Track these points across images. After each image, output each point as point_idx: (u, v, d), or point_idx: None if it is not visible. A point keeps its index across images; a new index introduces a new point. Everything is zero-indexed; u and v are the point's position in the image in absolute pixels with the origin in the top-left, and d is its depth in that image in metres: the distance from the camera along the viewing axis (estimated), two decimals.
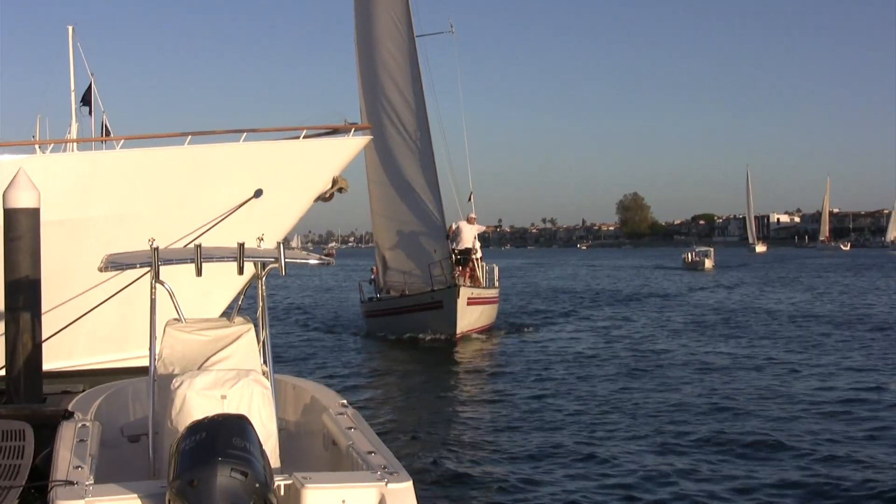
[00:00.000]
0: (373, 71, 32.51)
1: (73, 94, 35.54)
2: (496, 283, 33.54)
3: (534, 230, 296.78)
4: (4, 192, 11.38)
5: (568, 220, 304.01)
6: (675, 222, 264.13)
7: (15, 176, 11.45)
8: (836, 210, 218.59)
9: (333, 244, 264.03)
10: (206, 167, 15.64)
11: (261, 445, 5.45)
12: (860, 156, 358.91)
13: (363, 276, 39.55)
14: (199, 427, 5.38)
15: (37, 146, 17.10)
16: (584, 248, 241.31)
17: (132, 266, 7.59)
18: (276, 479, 5.63)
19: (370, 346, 28.84)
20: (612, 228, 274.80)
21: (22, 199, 11.24)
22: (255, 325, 7.93)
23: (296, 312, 41.87)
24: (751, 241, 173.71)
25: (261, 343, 7.87)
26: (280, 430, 7.29)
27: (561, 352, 25.49)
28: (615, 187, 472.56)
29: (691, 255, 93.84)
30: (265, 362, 7.79)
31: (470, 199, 34.14)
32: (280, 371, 8.95)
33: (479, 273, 32.11)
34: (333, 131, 16.78)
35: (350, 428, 7.10)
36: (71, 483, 5.73)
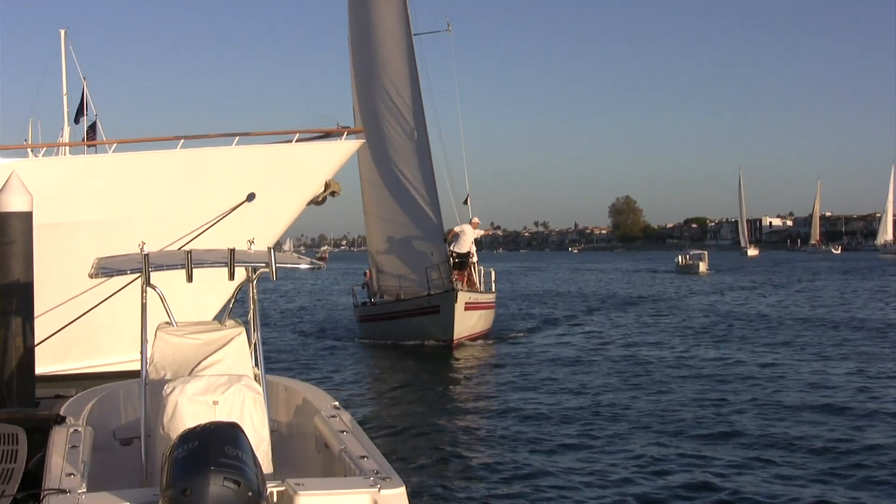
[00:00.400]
0: (368, 69, 31.54)
1: (65, 97, 35.52)
2: (493, 288, 32.72)
3: (526, 233, 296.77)
4: None
5: (560, 223, 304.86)
6: (668, 226, 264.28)
7: (7, 179, 11.46)
8: (828, 213, 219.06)
9: (326, 247, 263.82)
10: (198, 171, 15.64)
11: (253, 453, 5.46)
12: (853, 159, 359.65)
13: (356, 280, 39.18)
14: (191, 435, 5.38)
15: (29, 150, 17.11)
16: (576, 251, 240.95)
17: (123, 272, 7.59)
18: (268, 485, 5.63)
19: (364, 352, 28.18)
20: (604, 232, 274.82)
21: (14, 203, 11.24)
22: (247, 328, 7.93)
23: (287, 317, 41.25)
24: (743, 244, 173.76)
25: (252, 346, 7.88)
26: (272, 431, 7.30)
27: (558, 358, 24.96)
28: (607, 190, 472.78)
29: (684, 259, 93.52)
30: (257, 365, 7.80)
31: (466, 202, 33.37)
32: (271, 374, 8.95)
33: (475, 277, 31.34)
34: (326, 135, 16.80)
35: (342, 431, 7.10)
36: (63, 491, 5.73)
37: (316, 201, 16.83)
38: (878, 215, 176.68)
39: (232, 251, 7.39)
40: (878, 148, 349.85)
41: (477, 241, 32.24)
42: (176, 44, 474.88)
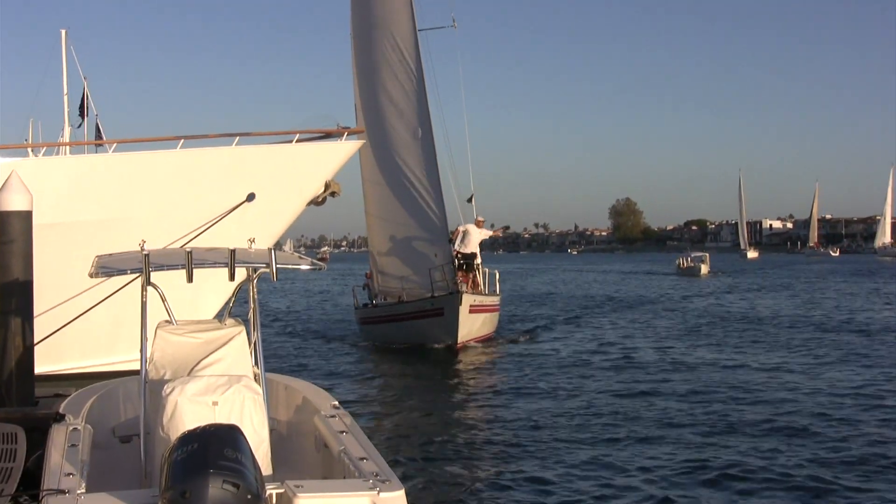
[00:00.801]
0: (371, 65, 30.58)
1: (65, 97, 35.56)
2: (497, 290, 32.04)
3: (526, 235, 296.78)
4: None
5: (560, 225, 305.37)
6: (668, 228, 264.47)
7: (7, 179, 11.45)
8: (828, 216, 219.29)
9: (326, 248, 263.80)
10: (198, 171, 15.64)
11: (252, 455, 5.46)
12: (854, 162, 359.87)
13: (357, 281, 38.77)
14: (190, 438, 5.38)
15: (29, 149, 17.10)
16: (575, 252, 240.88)
17: (123, 272, 7.58)
18: (267, 487, 5.63)
19: (364, 355, 27.60)
20: (604, 234, 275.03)
21: (14, 202, 11.24)
22: (247, 328, 7.92)
23: (286, 318, 40.87)
24: (742, 246, 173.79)
25: (252, 345, 7.87)
26: (271, 430, 7.29)
27: (563, 362, 24.44)
28: (608, 192, 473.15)
29: (685, 261, 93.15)
30: (256, 364, 7.80)
31: (471, 201, 32.39)
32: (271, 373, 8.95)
33: (480, 279, 30.54)
34: (326, 135, 16.79)
35: (342, 432, 7.09)
36: (63, 492, 5.72)
37: (316, 202, 16.82)
38: (878, 218, 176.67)
39: (233, 251, 7.39)
40: (878, 150, 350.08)
41: (483, 243, 31.65)
42: (176, 44, 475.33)
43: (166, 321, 7.85)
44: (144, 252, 7.32)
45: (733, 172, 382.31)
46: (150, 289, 7.48)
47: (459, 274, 28.68)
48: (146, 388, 7.36)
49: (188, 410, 6.62)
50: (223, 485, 5.04)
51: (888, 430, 15.22)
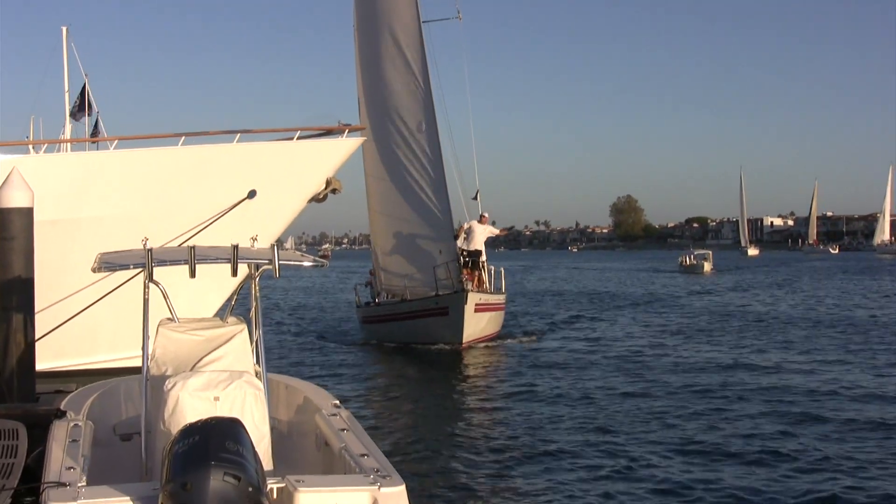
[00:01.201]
0: (374, 57, 29.95)
1: (66, 94, 35.63)
2: (503, 288, 31.36)
3: (527, 232, 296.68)
4: None
5: (561, 222, 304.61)
6: (669, 225, 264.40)
7: (9, 175, 11.45)
8: (829, 213, 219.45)
9: (327, 245, 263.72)
10: (199, 168, 15.64)
11: (254, 449, 5.46)
12: (855, 159, 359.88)
13: (359, 279, 38.44)
14: (192, 430, 5.38)
15: (30, 146, 17.09)
16: (575, 250, 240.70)
17: (125, 267, 7.59)
18: (268, 482, 5.63)
19: (367, 354, 27.34)
20: (605, 231, 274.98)
21: (16, 199, 11.24)
22: (248, 325, 7.93)
23: (288, 316, 40.64)
24: (743, 244, 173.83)
25: (254, 343, 7.87)
26: (272, 429, 7.30)
27: (569, 362, 24.11)
28: (609, 190, 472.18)
29: (688, 259, 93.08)
30: (258, 362, 7.80)
31: (476, 197, 31.88)
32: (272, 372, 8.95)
33: (485, 277, 29.75)
34: (327, 132, 16.79)
35: (343, 429, 7.09)
36: (63, 485, 5.73)
37: (317, 199, 16.82)
38: (879, 215, 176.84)
39: (235, 247, 7.39)
40: (880, 148, 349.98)
41: (490, 240, 30.98)
42: (177, 41, 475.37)
43: (168, 318, 7.85)
44: (147, 248, 7.32)
45: (734, 170, 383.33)
46: (152, 286, 7.49)
47: (465, 272, 28.01)
48: (147, 385, 7.36)
49: (189, 405, 6.63)
50: (224, 477, 5.04)
51: None
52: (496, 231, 31.54)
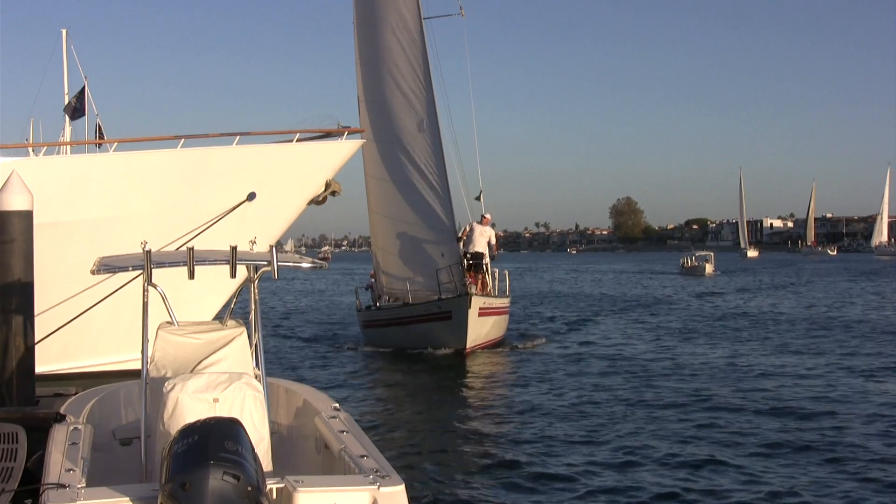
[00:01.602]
0: (374, 56, 28.81)
1: (66, 96, 35.55)
2: (507, 291, 30.06)
3: (527, 234, 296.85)
4: None
5: (561, 224, 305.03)
6: (669, 227, 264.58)
7: (8, 178, 11.47)
8: (829, 215, 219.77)
9: (327, 248, 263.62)
10: (199, 170, 15.67)
11: (253, 449, 5.46)
12: (855, 161, 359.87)
13: (359, 282, 37.71)
14: (191, 430, 5.38)
15: (30, 149, 17.13)
16: (574, 252, 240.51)
17: (124, 269, 7.58)
18: (268, 482, 5.63)
19: (368, 359, 26.40)
20: (605, 233, 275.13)
21: (15, 202, 11.25)
22: (248, 328, 7.92)
23: (286, 321, 39.86)
24: (742, 245, 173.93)
25: (253, 346, 7.87)
26: (272, 433, 7.29)
27: (575, 368, 23.06)
28: (608, 191, 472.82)
29: (690, 260, 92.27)
30: (257, 365, 7.80)
31: (479, 198, 30.40)
32: (272, 376, 8.94)
33: (488, 279, 28.56)
34: (326, 135, 16.82)
35: (342, 431, 7.09)
36: (63, 486, 5.73)
37: (316, 201, 16.84)
38: (878, 217, 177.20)
39: (234, 249, 7.39)
40: (880, 149, 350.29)
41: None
42: (177, 44, 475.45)
43: (167, 322, 7.84)
44: (146, 250, 7.32)
45: (734, 171, 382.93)
46: (151, 289, 7.48)
47: (468, 275, 26.99)
48: (147, 389, 7.36)
49: (189, 407, 6.63)
50: (223, 476, 5.04)
51: None
52: (493, 238, 29.65)
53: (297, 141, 16.35)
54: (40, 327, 11.95)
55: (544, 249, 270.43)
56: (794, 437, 14.70)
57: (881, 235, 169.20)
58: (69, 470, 6.06)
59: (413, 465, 12.96)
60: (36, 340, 11.37)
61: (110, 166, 15.44)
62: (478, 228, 28.67)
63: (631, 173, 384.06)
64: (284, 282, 76.29)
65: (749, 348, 27.14)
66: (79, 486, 5.78)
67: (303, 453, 8.04)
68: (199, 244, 12.32)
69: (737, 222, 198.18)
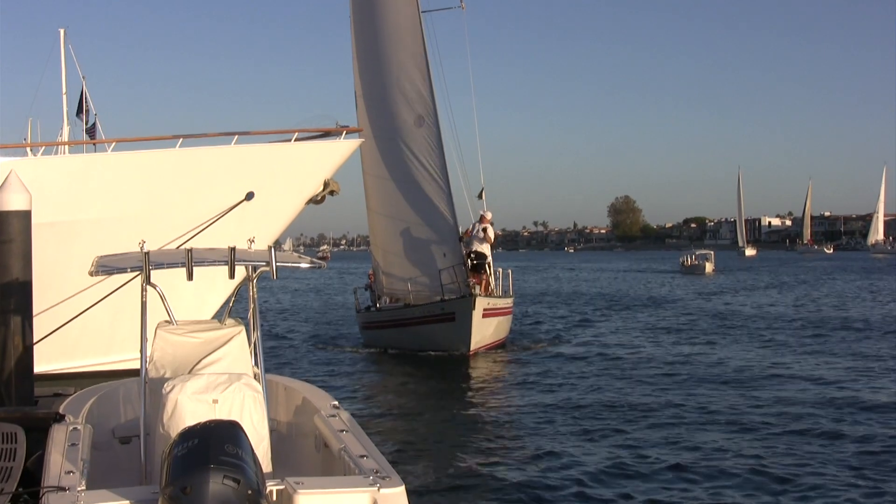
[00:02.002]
0: (372, 50, 27.97)
1: (64, 96, 35.62)
2: (510, 291, 29.66)
3: (525, 233, 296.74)
4: None
5: (559, 223, 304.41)
6: (667, 225, 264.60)
7: (6, 178, 11.45)
8: (827, 213, 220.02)
9: (325, 247, 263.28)
10: (197, 170, 15.65)
11: (253, 451, 5.47)
12: (853, 160, 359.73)
13: (358, 281, 37.27)
14: (191, 434, 5.39)
15: (28, 148, 17.09)
16: (572, 250, 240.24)
17: (123, 270, 7.58)
18: (268, 484, 5.64)
19: (367, 360, 26.22)
20: (603, 231, 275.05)
21: (13, 202, 11.24)
22: (247, 327, 7.92)
23: (285, 320, 39.75)
24: (741, 244, 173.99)
25: (252, 345, 7.87)
26: (271, 431, 7.30)
27: (578, 369, 22.90)
28: (607, 190, 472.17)
29: (689, 259, 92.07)
30: (256, 364, 7.80)
31: (481, 195, 29.79)
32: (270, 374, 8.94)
33: (491, 279, 28.01)
34: (325, 134, 16.80)
35: (342, 430, 7.09)
36: (63, 489, 5.73)
37: (315, 200, 16.83)
38: (874, 215, 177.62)
39: (232, 250, 7.39)
40: (878, 149, 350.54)
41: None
42: (175, 43, 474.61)
43: (166, 321, 7.84)
44: (144, 251, 7.32)
45: (732, 170, 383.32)
46: (149, 289, 7.48)
47: (471, 275, 26.42)
48: (146, 388, 7.36)
49: (188, 408, 6.63)
50: (224, 480, 5.04)
51: None
52: (489, 238, 28.69)
53: (295, 140, 16.33)
54: (39, 327, 11.94)
55: (542, 248, 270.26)
56: (817, 446, 14.37)
57: (877, 234, 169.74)
58: (69, 472, 6.05)
59: (413, 466, 12.95)
60: (35, 340, 11.36)
61: (109, 166, 15.42)
62: (478, 227, 28.14)
63: (629, 172, 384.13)
64: (283, 281, 76.17)
65: (760, 350, 26.82)
66: (79, 488, 5.78)
67: (302, 452, 8.04)
68: (198, 244, 12.34)
69: (735, 221, 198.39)
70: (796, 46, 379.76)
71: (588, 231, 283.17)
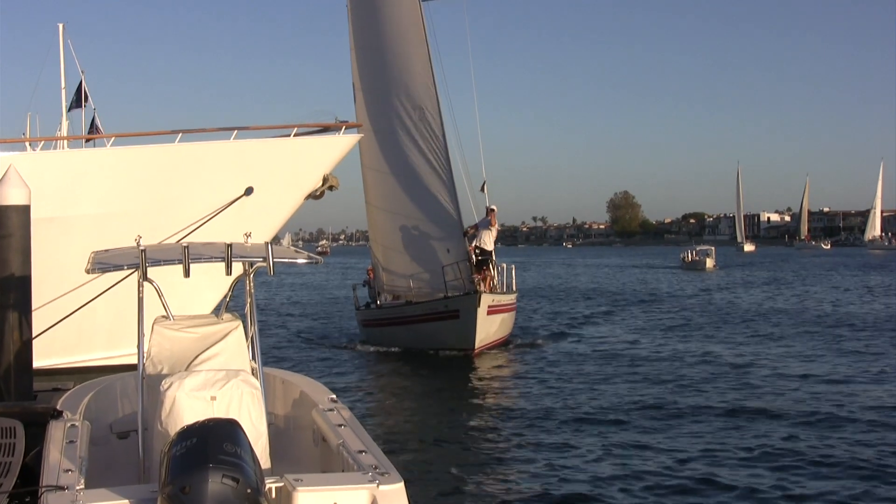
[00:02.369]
0: (370, 40, 27.18)
1: (63, 91, 35.48)
2: (514, 286, 28.91)
3: (524, 228, 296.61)
4: None
5: (558, 218, 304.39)
6: (666, 221, 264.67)
7: (5, 173, 11.44)
8: (826, 209, 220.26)
9: (324, 242, 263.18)
10: (196, 165, 15.65)
11: (252, 450, 5.46)
12: (853, 155, 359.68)
13: (358, 278, 36.71)
14: (189, 432, 5.38)
15: (27, 143, 17.09)
16: (570, 246, 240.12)
17: (119, 268, 7.57)
18: (267, 481, 5.63)
19: (368, 356, 25.78)
20: (602, 227, 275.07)
21: (12, 196, 11.22)
22: (244, 322, 7.91)
23: (284, 315, 39.53)
24: (739, 240, 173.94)
25: (249, 339, 7.87)
26: (269, 425, 7.29)
27: (584, 368, 22.49)
28: (605, 186, 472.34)
29: (690, 255, 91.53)
30: (254, 358, 7.80)
31: (483, 189, 28.89)
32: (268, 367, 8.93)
33: (494, 275, 27.29)
34: (324, 129, 16.81)
35: (340, 425, 7.09)
36: (61, 488, 5.72)
37: (314, 196, 16.84)
38: (872, 211, 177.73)
39: (229, 245, 7.38)
40: (876, 144, 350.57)
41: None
42: (174, 38, 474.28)
43: (163, 316, 7.84)
44: (141, 248, 7.31)
45: (731, 166, 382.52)
46: (146, 284, 7.48)
47: (475, 272, 25.85)
48: (143, 383, 7.35)
49: (186, 405, 6.62)
50: (223, 479, 5.04)
51: None
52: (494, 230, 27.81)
53: (294, 136, 16.34)
54: (38, 322, 11.92)
55: (541, 244, 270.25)
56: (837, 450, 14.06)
57: (874, 230, 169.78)
58: (67, 470, 6.04)
59: (413, 462, 12.92)
60: (34, 335, 11.34)
61: (107, 161, 15.42)
62: (485, 223, 27.28)
63: (628, 168, 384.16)
64: (281, 276, 76.18)
65: (772, 348, 26.47)
66: (77, 487, 5.77)
67: (300, 447, 8.05)
68: (197, 239, 12.33)
69: (734, 216, 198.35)
70: (795, 44, 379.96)
71: (587, 226, 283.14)
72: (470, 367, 23.28)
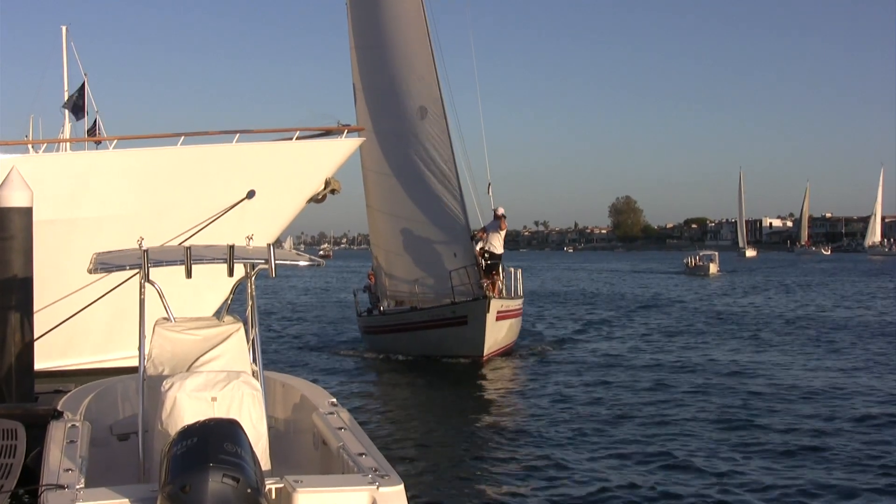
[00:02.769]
0: (371, 38, 26.24)
1: (66, 93, 35.56)
2: (521, 291, 27.91)
3: (526, 233, 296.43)
4: None
5: (560, 223, 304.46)
6: (668, 226, 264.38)
7: (8, 175, 11.49)
8: (828, 215, 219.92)
9: (326, 245, 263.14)
10: (198, 168, 15.68)
11: (252, 450, 5.48)
12: (854, 161, 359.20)
13: (359, 281, 36.36)
14: (190, 432, 5.40)
15: (30, 146, 17.14)
16: (571, 250, 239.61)
17: (122, 268, 7.60)
18: (267, 482, 5.64)
19: (370, 362, 25.13)
20: (604, 231, 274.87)
21: (15, 199, 11.27)
22: (245, 325, 7.93)
23: (285, 319, 39.01)
24: (741, 245, 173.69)
25: (250, 342, 7.88)
26: (269, 428, 7.31)
27: (590, 374, 21.97)
28: (607, 190, 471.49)
29: (693, 260, 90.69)
30: (254, 361, 7.81)
31: (489, 191, 27.94)
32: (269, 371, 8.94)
33: (501, 280, 26.37)
34: (326, 133, 16.84)
35: (340, 428, 7.10)
36: (62, 487, 5.74)
37: (316, 199, 16.85)
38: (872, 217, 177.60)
39: (231, 248, 7.40)
40: (879, 150, 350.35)
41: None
42: (177, 41, 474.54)
43: (164, 318, 7.86)
44: (143, 249, 7.33)
45: (734, 171, 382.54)
46: (148, 286, 7.50)
47: (484, 276, 24.99)
48: (144, 385, 7.37)
49: (187, 406, 6.64)
50: (223, 479, 5.05)
51: None
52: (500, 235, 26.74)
53: (296, 139, 16.37)
54: (40, 324, 11.96)
55: (543, 248, 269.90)
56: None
57: (874, 235, 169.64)
58: (67, 469, 6.06)
59: (413, 465, 12.89)
60: (35, 337, 11.38)
61: (110, 163, 15.46)
62: (493, 225, 26.24)
63: (630, 172, 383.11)
64: (282, 280, 75.94)
65: (780, 356, 25.79)
66: (77, 486, 5.79)
67: (301, 449, 8.06)
68: (199, 241, 12.35)
69: (736, 222, 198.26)
70: (797, 47, 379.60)
71: (589, 231, 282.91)
72: (474, 373, 22.86)
